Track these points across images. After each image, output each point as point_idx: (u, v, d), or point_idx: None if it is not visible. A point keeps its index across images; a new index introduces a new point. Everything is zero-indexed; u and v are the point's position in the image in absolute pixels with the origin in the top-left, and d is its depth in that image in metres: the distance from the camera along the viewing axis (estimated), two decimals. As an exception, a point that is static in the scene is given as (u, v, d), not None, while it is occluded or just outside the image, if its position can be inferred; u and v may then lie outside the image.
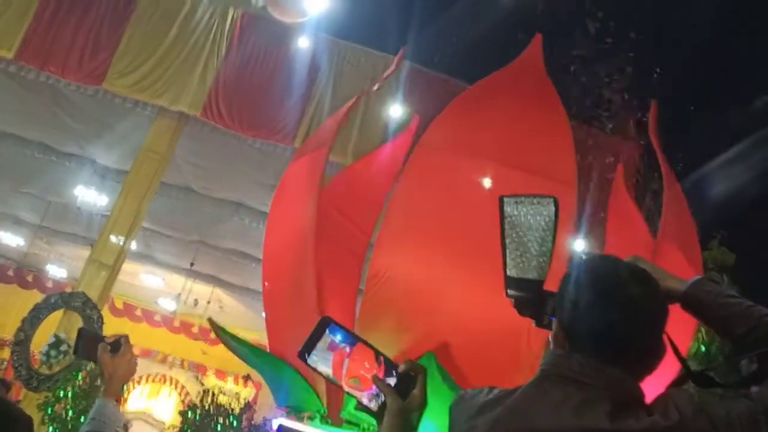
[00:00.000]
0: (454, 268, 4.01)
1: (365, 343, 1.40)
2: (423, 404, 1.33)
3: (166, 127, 8.79)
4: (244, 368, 16.28)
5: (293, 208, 4.90)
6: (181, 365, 17.61)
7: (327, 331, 1.40)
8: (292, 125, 8.48)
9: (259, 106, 8.41)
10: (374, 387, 1.36)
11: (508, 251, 1.47)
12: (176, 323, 17.32)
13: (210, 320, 5.70)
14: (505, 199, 1.47)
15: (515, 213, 1.46)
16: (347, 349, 1.39)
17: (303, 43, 8.21)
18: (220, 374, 17.53)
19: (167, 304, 15.76)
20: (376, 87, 6.77)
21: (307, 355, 1.39)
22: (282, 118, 8.46)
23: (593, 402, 1.21)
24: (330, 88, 8.45)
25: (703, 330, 8.89)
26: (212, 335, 17.19)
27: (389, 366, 1.37)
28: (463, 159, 4.28)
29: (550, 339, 1.39)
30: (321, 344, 1.39)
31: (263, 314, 15.23)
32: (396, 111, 8.02)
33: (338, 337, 1.40)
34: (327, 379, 1.40)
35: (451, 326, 3.92)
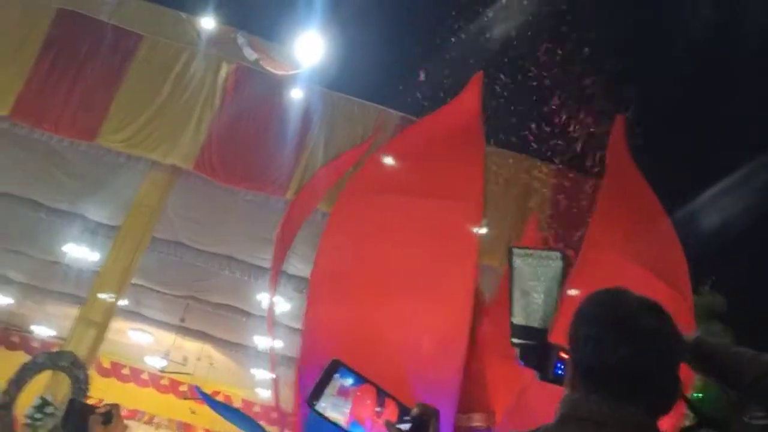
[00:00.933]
0: (389, 305, 4.02)
1: (374, 384, 1.35)
2: None
3: (158, 180, 8.80)
4: (236, 428, 15.96)
5: None
6: (169, 426, 17.16)
7: (337, 375, 1.35)
8: (285, 177, 8.52)
9: (252, 159, 8.46)
10: None
11: (514, 299, 1.51)
12: (164, 382, 16.96)
13: (197, 388, 5.61)
14: (515, 251, 1.53)
15: (522, 264, 1.51)
16: (358, 393, 1.34)
17: (296, 94, 8.32)
18: (209, 434, 17.11)
19: (155, 362, 15.44)
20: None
21: (314, 402, 1.34)
22: (275, 170, 8.51)
23: None
24: (323, 139, 8.53)
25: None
26: (201, 393, 16.88)
27: (402, 410, 1.34)
28: (380, 197, 4.37)
29: (565, 385, 1.36)
30: (330, 389, 1.34)
31: (252, 371, 14.95)
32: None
33: (349, 381, 1.34)
34: (336, 425, 1.35)
35: (392, 362, 3.89)
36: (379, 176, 4.66)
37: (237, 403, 16.45)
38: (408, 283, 4.06)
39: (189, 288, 12.50)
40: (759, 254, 9.79)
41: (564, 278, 1.49)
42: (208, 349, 15.21)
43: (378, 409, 1.35)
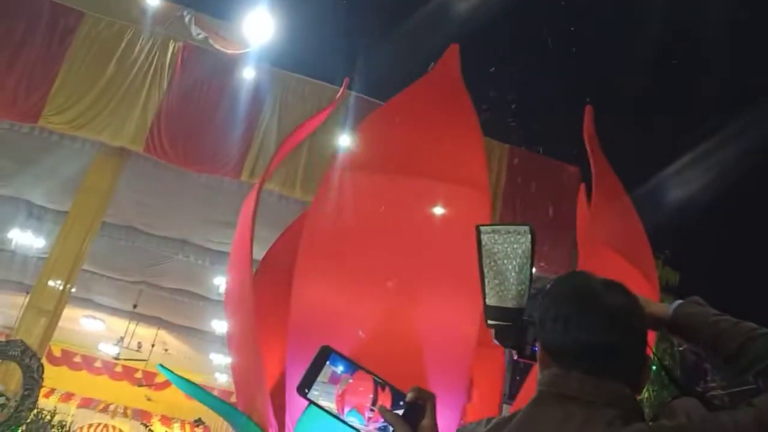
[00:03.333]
0: (377, 287, 3.93)
1: (367, 371, 1.31)
2: None
3: (106, 163, 8.54)
4: (192, 413, 15.84)
5: (238, 247, 4.74)
6: (124, 413, 16.94)
7: (328, 363, 1.30)
8: (238, 158, 8.35)
9: (203, 140, 8.25)
10: (380, 420, 1.27)
11: (486, 280, 1.47)
12: (118, 369, 16.70)
13: (161, 366, 5.46)
14: (482, 229, 1.48)
15: (491, 242, 1.47)
16: (351, 380, 1.31)
17: (247, 74, 8.12)
18: (166, 421, 16.96)
19: (109, 349, 15.18)
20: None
21: (306, 390, 1.29)
22: (227, 151, 8.32)
23: (597, 417, 1.19)
24: (275, 119, 8.36)
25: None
26: (157, 380, 16.68)
27: (396, 395, 1.29)
28: (376, 175, 4.23)
29: (539, 365, 1.34)
30: (321, 377, 1.30)
31: (210, 356, 14.84)
32: (344, 141, 7.97)
33: (340, 368, 1.30)
34: (330, 414, 1.31)
35: (379, 348, 3.82)
36: (373, 153, 4.44)
37: (194, 389, 16.28)
38: (413, 266, 3.95)
39: (142, 273, 12.26)
40: (713, 231, 10.04)
41: (534, 253, 1.45)
42: (163, 334, 15.00)
43: (372, 395, 1.31)
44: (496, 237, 1.48)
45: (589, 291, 1.30)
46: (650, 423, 1.19)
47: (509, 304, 1.46)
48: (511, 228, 1.47)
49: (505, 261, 1.47)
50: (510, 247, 1.47)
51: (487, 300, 1.48)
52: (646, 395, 8.25)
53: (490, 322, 1.48)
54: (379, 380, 1.31)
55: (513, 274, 1.46)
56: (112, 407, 16.86)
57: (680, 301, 1.47)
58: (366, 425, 1.30)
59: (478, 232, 1.49)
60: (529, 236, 1.45)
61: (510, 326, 1.45)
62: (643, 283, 4.24)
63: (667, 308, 1.44)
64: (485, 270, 1.48)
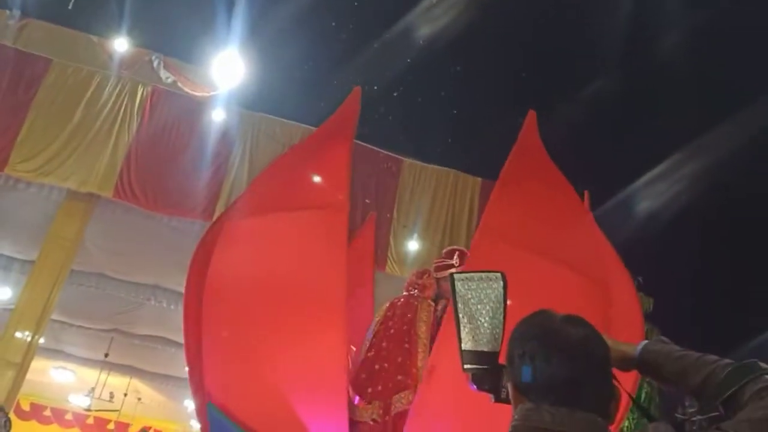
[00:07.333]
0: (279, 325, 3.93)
1: None
2: None
3: (74, 210, 8.43)
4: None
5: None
6: (98, 467, 16.42)
7: None
8: (209, 200, 8.30)
9: (173, 183, 8.20)
10: None
11: (461, 326, 1.54)
12: (90, 421, 16.23)
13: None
14: (456, 276, 1.57)
15: (465, 288, 1.55)
16: None
17: (216, 116, 8.12)
18: (143, 473, 16.45)
19: (80, 401, 14.75)
20: None
21: None
22: (198, 194, 8.27)
23: None
24: (247, 160, 8.36)
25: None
26: (130, 430, 16.24)
27: None
28: (262, 216, 4.23)
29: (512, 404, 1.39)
30: None
31: (185, 403, 14.51)
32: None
33: None
34: None
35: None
36: (260, 196, 4.49)
37: (170, 438, 15.92)
38: (289, 301, 3.93)
39: (113, 321, 12.00)
40: (686, 256, 10.15)
41: (506, 298, 1.53)
42: (136, 383, 14.66)
43: None
44: (470, 284, 1.55)
45: (550, 327, 1.36)
46: None
47: (484, 348, 1.52)
48: (483, 275, 1.56)
49: (479, 306, 1.54)
50: (483, 293, 1.55)
51: (462, 345, 1.54)
52: (626, 424, 8.27)
53: (466, 366, 1.53)
54: None
55: (486, 318, 1.53)
56: (84, 460, 16.36)
57: (646, 341, 1.56)
58: None
59: (452, 280, 1.56)
60: (501, 282, 1.54)
61: (486, 370, 1.51)
62: (590, 288, 4.17)
63: (634, 348, 1.53)
64: (460, 315, 1.54)
